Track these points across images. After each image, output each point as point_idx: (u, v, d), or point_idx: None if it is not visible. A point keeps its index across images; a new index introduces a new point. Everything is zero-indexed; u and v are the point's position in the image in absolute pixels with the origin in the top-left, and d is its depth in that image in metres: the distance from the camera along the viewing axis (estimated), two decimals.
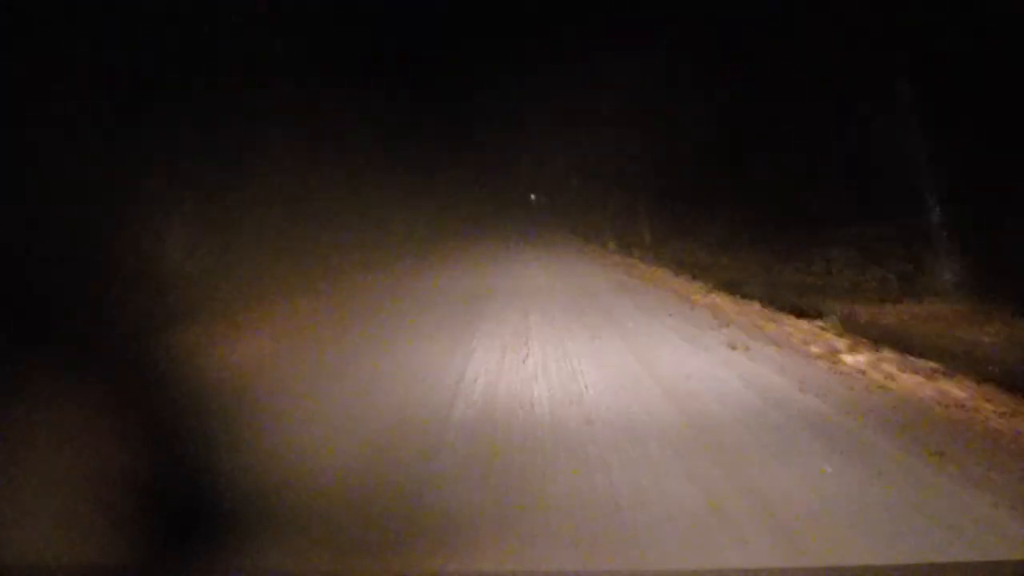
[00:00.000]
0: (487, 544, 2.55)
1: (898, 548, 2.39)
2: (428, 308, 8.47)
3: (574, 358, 5.51)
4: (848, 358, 5.22)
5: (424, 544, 2.57)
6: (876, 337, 5.65)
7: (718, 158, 21.31)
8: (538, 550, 2.47)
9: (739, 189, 21.38)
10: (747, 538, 2.49)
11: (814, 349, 5.69)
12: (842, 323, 6.34)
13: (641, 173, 22.93)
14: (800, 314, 7.01)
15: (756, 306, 7.86)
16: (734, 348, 5.77)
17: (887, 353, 5.22)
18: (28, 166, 5.80)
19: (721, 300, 8.66)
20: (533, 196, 40.58)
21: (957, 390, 4.24)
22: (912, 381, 4.53)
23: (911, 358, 4.94)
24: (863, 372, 4.84)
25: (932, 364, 4.75)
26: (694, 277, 10.64)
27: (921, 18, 13.04)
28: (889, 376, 4.69)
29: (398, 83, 20.14)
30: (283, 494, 2.88)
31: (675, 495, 2.89)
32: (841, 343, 5.71)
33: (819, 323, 6.55)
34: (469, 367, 5.26)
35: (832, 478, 3.05)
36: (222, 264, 8.63)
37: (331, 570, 2.39)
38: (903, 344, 5.29)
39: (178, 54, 8.89)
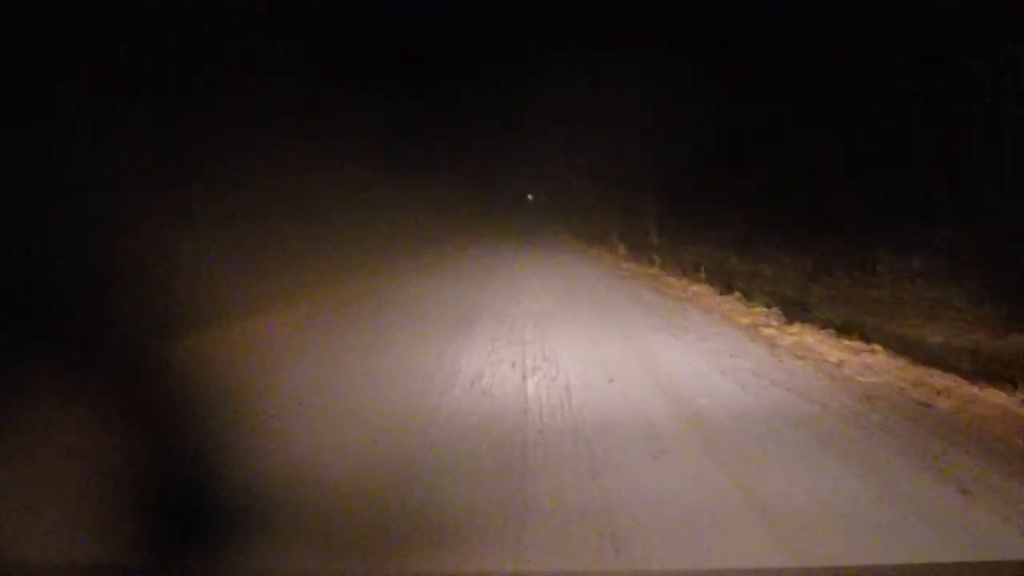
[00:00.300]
0: None
1: None
2: (395, 342, 5.46)
3: (628, 546, 2.39)
4: None
5: None
6: None
7: (720, 157, 20.49)
8: None
9: (745, 187, 20.38)
10: None
11: None
12: None
13: (642, 172, 21.81)
14: (972, 377, 4.31)
15: (878, 355, 5.09)
16: (965, 492, 2.71)
17: None
18: (27, 166, 5.62)
19: (812, 339, 5.90)
20: (531, 196, 39.06)
21: None
22: None
23: None
24: None
25: None
26: (747, 296, 8.23)
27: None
28: None
29: (397, 83, 19.53)
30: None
31: None
32: None
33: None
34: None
35: None
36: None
37: (331, 570, 2.27)
38: None
39: (179, 55, 8.63)
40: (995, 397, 3.88)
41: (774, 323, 6.75)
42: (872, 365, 4.75)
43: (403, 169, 18.66)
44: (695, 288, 9.59)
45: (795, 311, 7.35)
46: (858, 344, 5.30)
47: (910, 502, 2.63)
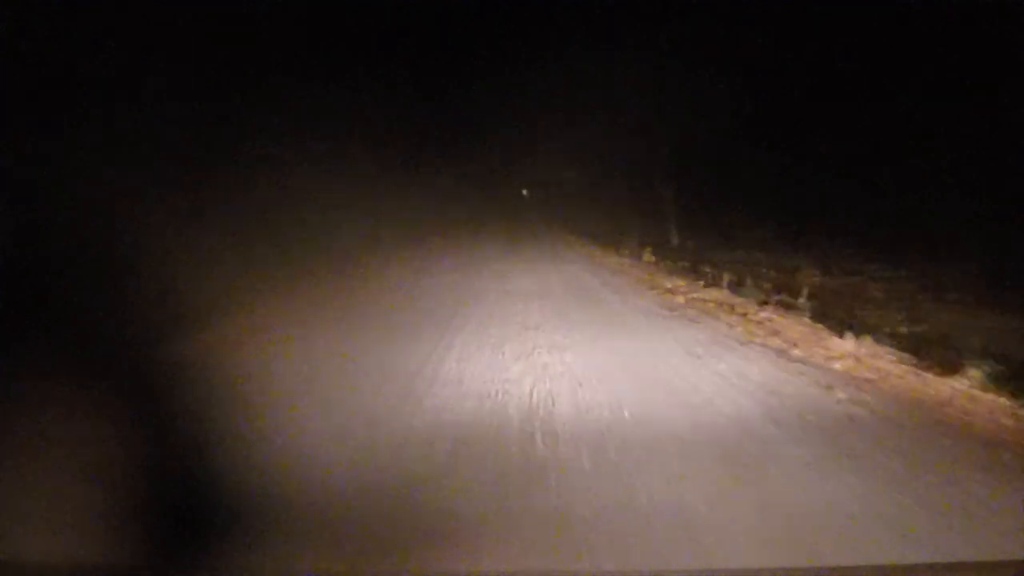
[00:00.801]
0: None
1: None
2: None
3: None
4: None
5: None
6: None
7: (728, 147, 16.42)
8: None
9: (762, 179, 16.42)
10: None
11: None
12: None
13: (646, 165, 17.81)
14: None
15: None
16: None
17: None
18: (24, 166, 5.42)
19: None
20: (526, 192, 34.04)
21: None
22: None
23: None
24: None
25: None
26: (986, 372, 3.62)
27: None
28: None
29: (395, 81, 18.12)
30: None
31: None
32: None
33: None
34: None
35: None
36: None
37: (331, 570, 2.08)
38: None
39: (175, 51, 8.09)
40: None
41: None
42: None
43: (400, 166, 17.44)
44: (848, 348, 4.76)
45: None
46: None
47: None
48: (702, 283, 8.45)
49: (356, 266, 10.57)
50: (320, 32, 12.88)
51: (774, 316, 6.02)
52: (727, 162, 16.54)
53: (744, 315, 6.17)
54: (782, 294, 7.26)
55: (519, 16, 22.26)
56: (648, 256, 11.94)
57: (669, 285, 8.38)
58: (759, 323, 5.80)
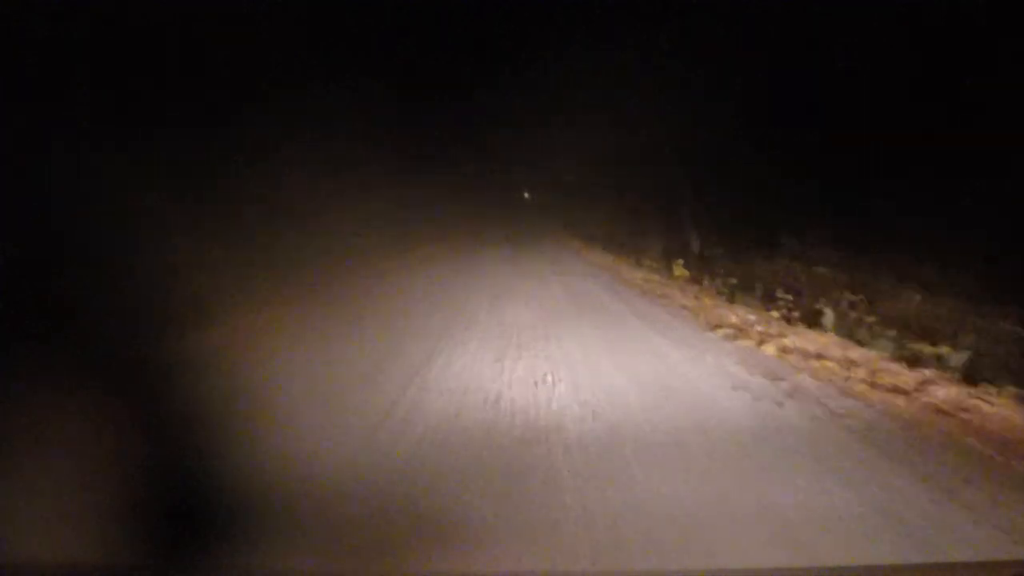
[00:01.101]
0: None
1: None
2: None
3: None
4: None
5: None
6: None
7: (730, 145, 13.96)
8: None
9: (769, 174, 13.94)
10: None
11: None
12: None
13: (656, 168, 15.70)
14: None
15: None
16: None
17: None
18: (26, 163, 5.17)
19: None
20: (527, 195, 31.32)
21: None
22: None
23: None
24: None
25: None
26: None
27: None
28: None
29: (390, 79, 17.12)
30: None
31: None
32: None
33: None
34: None
35: None
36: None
37: (332, 570, 2.02)
38: None
39: (174, 54, 7.81)
40: None
41: None
42: None
43: (398, 169, 16.48)
44: None
45: None
46: None
47: None
48: (776, 314, 5.86)
49: (344, 276, 9.23)
50: (320, 33, 12.46)
51: (967, 398, 3.41)
52: (729, 161, 14.39)
53: (906, 394, 3.54)
54: (913, 338, 4.70)
55: (521, 16, 20.62)
56: (679, 269, 9.33)
57: (734, 319, 5.76)
58: (955, 417, 3.19)
